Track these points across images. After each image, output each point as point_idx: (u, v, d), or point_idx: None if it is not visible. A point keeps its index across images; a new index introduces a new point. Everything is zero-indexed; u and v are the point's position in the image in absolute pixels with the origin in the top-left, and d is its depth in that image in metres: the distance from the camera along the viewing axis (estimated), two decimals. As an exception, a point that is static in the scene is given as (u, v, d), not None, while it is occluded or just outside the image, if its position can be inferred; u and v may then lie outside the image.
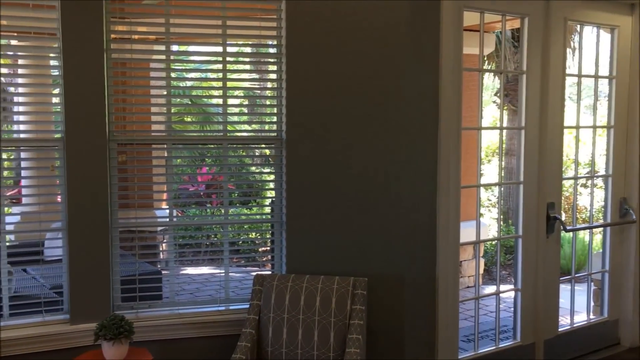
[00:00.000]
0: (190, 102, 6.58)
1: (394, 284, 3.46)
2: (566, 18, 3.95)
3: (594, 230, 4.99)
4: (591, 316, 4.47)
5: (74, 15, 3.18)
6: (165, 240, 4.16)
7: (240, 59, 4.48)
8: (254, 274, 3.42)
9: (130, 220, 3.51)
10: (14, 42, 3.72)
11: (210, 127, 5.48)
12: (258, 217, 6.14)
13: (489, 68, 8.84)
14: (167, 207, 3.69)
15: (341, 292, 3.20)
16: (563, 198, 4.27)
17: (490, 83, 11.58)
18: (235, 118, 7.46)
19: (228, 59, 3.54)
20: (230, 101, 5.24)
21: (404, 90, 3.39)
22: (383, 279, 3.44)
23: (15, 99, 3.80)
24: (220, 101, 3.83)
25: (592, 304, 4.54)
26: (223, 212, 3.74)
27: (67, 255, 3.30)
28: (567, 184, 6.53)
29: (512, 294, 4.04)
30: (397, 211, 3.44)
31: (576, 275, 4.44)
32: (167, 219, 3.66)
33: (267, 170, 4.76)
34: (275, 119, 3.62)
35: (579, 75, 4.23)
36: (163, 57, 3.55)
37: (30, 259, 3.97)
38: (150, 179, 4.12)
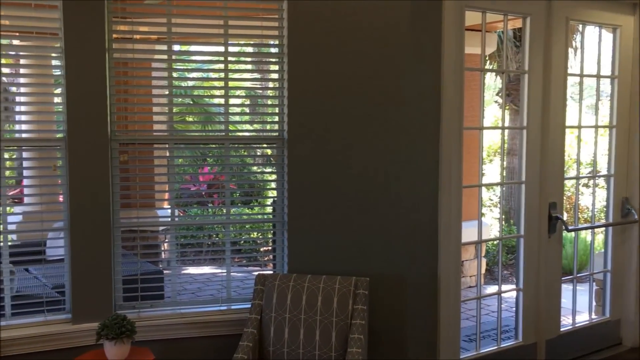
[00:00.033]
0: (191, 102, 6.58)
1: (396, 284, 3.46)
2: (568, 18, 3.95)
3: (596, 230, 4.98)
4: (593, 316, 4.46)
5: (75, 15, 3.18)
6: (166, 240, 4.17)
7: (242, 58, 4.48)
8: (256, 273, 3.42)
9: (132, 220, 3.51)
10: (16, 42, 3.73)
11: (212, 127, 5.47)
12: (259, 216, 6.14)
13: (490, 68, 8.83)
14: (169, 206, 3.70)
15: (343, 291, 3.19)
16: (565, 198, 4.27)
17: (492, 83, 11.58)
18: (237, 118, 7.46)
19: (229, 58, 3.54)
20: (232, 101, 5.24)
21: (404, 90, 3.38)
22: (384, 279, 3.44)
23: (17, 98, 3.81)
24: (221, 101, 3.82)
25: (594, 304, 4.53)
26: (225, 211, 3.74)
27: (69, 255, 3.31)
28: (569, 183, 6.53)
29: (514, 293, 4.03)
30: (398, 211, 3.44)
31: (578, 275, 4.42)
32: (169, 219, 3.68)
33: (268, 170, 4.76)
34: (276, 118, 3.62)
35: (581, 75, 4.22)
36: (165, 56, 3.56)
37: (32, 259, 3.97)
38: (152, 178, 4.13)
